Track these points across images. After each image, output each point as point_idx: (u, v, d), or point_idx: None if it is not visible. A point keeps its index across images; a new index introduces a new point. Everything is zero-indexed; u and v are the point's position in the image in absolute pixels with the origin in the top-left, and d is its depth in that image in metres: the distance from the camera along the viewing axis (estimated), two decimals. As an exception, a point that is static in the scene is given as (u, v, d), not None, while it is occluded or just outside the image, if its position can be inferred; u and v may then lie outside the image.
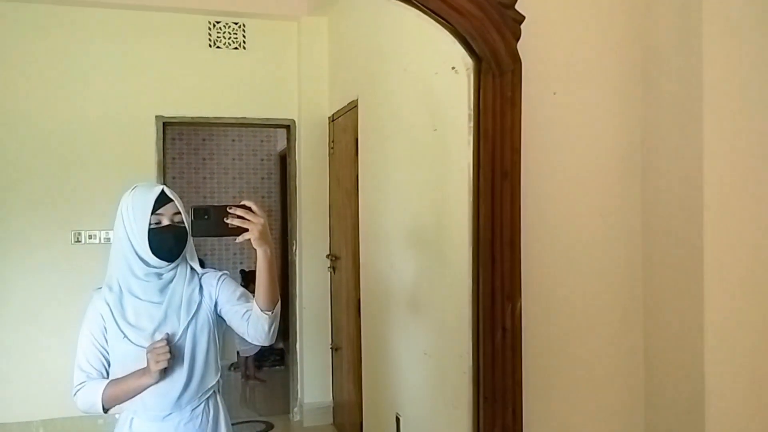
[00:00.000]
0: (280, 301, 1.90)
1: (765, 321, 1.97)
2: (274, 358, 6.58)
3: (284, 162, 5.54)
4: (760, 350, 1.97)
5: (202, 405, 2.00)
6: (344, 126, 4.45)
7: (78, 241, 4.54)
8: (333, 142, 4.82)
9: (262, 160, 7.23)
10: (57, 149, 4.51)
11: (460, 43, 1.92)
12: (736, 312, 1.94)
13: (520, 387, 1.92)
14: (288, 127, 5.00)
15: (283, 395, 5.40)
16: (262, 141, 7.19)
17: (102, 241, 4.52)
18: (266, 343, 1.95)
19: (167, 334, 1.90)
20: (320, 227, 4.94)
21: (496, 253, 1.90)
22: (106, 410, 1.93)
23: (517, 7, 1.95)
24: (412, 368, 3.20)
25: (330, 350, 4.94)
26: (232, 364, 6.42)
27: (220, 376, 2.04)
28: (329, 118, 4.85)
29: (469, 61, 1.95)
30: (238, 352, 6.22)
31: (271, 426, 4.96)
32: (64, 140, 4.52)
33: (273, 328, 1.90)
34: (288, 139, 5.07)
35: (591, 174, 2.10)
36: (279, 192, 7.05)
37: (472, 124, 1.94)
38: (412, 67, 3.02)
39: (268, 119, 4.98)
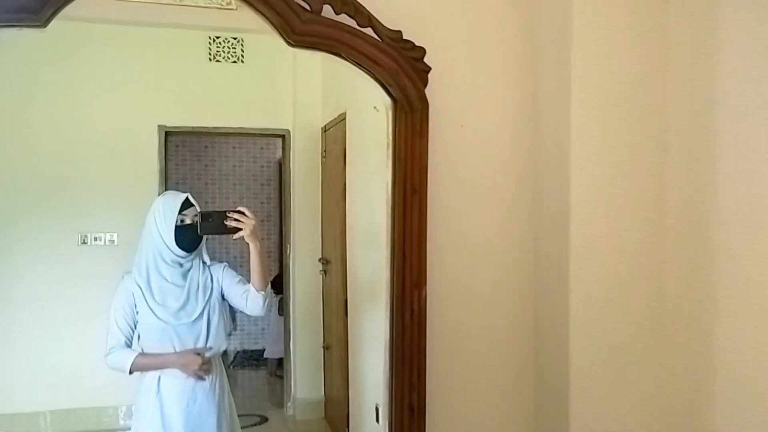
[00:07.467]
0: (270, 282, 2.90)
1: (620, 318, 2.79)
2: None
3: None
4: (623, 345, 2.79)
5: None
6: (335, 137, 5.17)
7: (84, 242, 5.24)
8: (325, 151, 5.57)
9: (261, 167, 8.01)
10: (65, 157, 5.20)
11: (380, 87, 2.79)
12: (602, 293, 2.75)
13: (424, 354, 2.78)
14: (283, 137, 5.78)
15: (279, 391, 6.24)
16: (261, 148, 7.98)
17: (106, 243, 5.25)
18: (261, 314, 2.94)
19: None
20: (313, 232, 5.69)
21: (407, 252, 2.76)
22: (130, 373, 2.77)
23: (425, 60, 2.80)
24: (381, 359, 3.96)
25: (322, 349, 5.69)
26: (231, 363, 7.38)
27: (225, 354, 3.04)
28: (322, 128, 5.59)
29: (387, 101, 2.82)
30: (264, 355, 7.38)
31: (265, 419, 5.78)
32: (72, 148, 5.21)
33: (266, 302, 2.90)
34: (283, 148, 5.86)
35: (488, 189, 2.95)
36: (278, 198, 7.59)
37: (390, 151, 2.81)
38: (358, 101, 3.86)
39: (264, 129, 5.81)
